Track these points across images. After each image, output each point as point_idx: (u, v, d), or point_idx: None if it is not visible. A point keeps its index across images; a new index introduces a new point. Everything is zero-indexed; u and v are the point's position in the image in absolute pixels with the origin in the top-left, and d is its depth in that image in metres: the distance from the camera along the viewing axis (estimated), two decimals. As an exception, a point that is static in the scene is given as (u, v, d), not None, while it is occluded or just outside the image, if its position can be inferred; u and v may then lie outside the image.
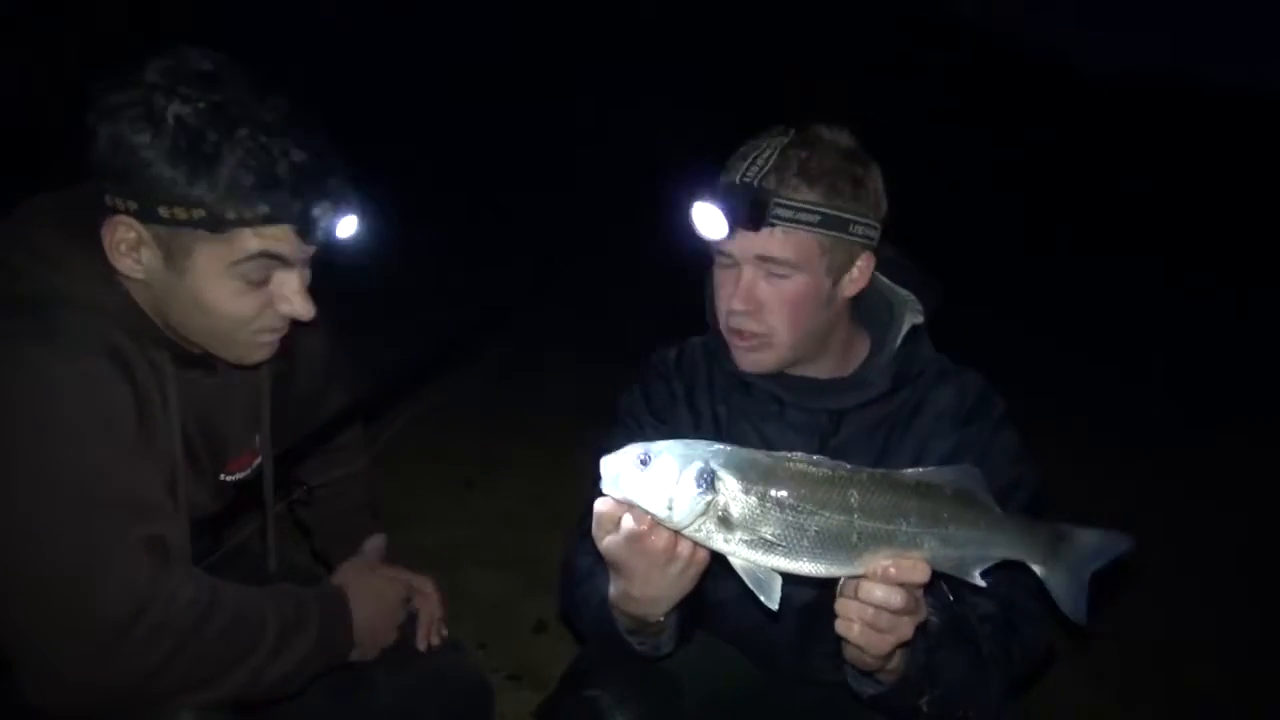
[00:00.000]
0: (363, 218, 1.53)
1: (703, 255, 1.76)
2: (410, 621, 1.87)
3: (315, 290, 1.65)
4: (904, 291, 1.77)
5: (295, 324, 1.65)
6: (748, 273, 1.61)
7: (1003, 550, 1.30)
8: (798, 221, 1.57)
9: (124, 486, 1.39)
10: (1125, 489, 4.31)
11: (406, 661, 1.83)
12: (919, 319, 1.74)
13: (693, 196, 1.61)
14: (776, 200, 1.55)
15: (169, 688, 1.37)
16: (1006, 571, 1.37)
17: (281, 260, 1.45)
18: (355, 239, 1.54)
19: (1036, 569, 1.35)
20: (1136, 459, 4.84)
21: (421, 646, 1.87)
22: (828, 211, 1.58)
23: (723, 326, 1.68)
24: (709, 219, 1.58)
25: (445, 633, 1.93)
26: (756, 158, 1.59)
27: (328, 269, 1.59)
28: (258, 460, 1.79)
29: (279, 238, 1.42)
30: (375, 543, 1.98)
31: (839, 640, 1.34)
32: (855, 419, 1.71)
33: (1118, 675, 3.13)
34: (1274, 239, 9.44)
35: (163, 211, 1.36)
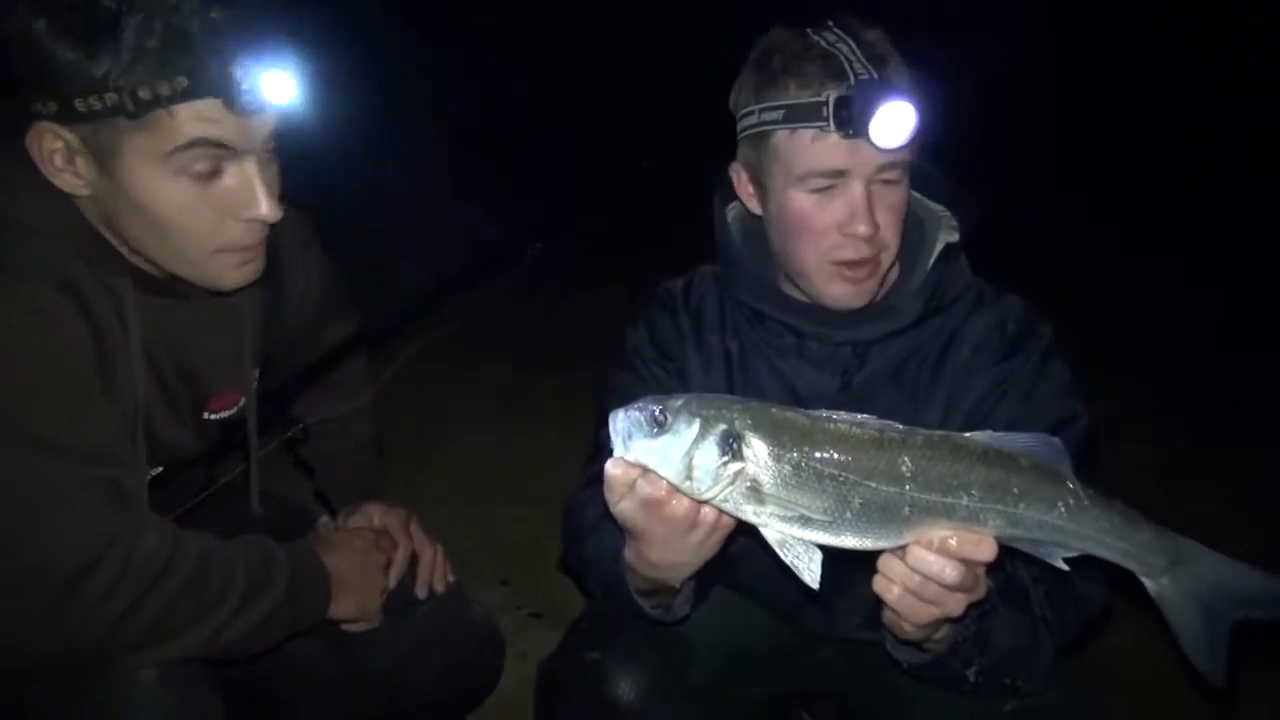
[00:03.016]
0: (303, 79, 1.32)
1: (709, 176, 1.56)
2: (413, 569, 1.78)
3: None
4: (937, 207, 1.57)
5: (280, 249, 1.51)
6: (862, 189, 1.39)
7: (1089, 547, 1.10)
8: (917, 115, 1.37)
9: (77, 431, 1.27)
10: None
11: (408, 610, 1.75)
12: (954, 237, 1.54)
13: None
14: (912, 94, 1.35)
15: (127, 642, 1.28)
16: None
17: (224, 148, 1.28)
18: (301, 104, 1.33)
19: (1146, 583, 1.14)
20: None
21: (421, 594, 1.78)
22: (922, 100, 1.38)
23: (819, 263, 1.46)
24: (900, 122, 1.33)
25: (451, 579, 1.84)
26: (840, 54, 1.37)
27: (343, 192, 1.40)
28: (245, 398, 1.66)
29: (210, 116, 1.24)
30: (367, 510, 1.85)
31: (874, 599, 1.19)
32: (881, 351, 1.53)
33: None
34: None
35: (79, 105, 1.20)
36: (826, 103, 1.35)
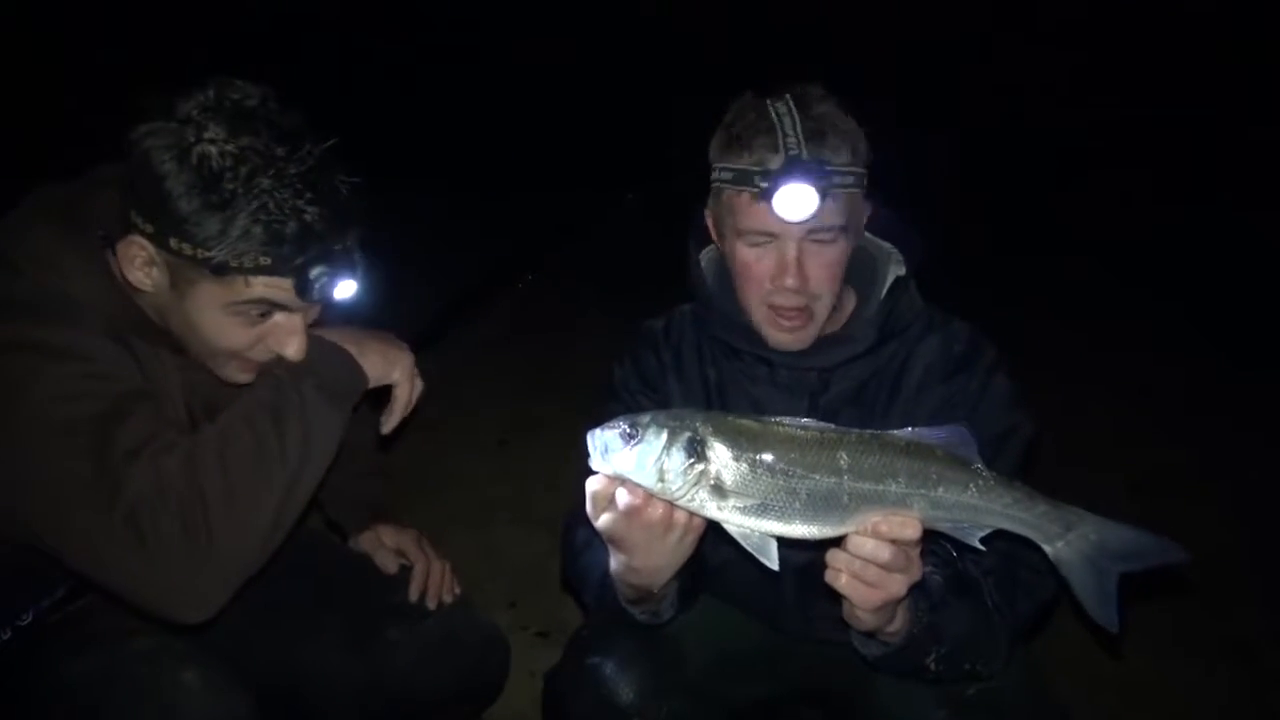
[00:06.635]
0: (364, 280, 1.54)
1: (687, 222, 1.73)
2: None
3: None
4: (886, 245, 1.74)
5: None
6: (793, 248, 1.54)
7: (998, 521, 1.26)
8: (845, 186, 1.53)
9: (138, 430, 1.41)
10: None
11: (420, 620, 1.90)
12: (901, 271, 1.71)
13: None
14: (830, 168, 1.49)
15: (222, 534, 1.38)
16: None
17: (280, 306, 1.48)
18: (355, 297, 1.55)
19: (1045, 549, 1.29)
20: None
21: (432, 605, 1.93)
22: (860, 170, 1.55)
23: (758, 305, 1.62)
24: (801, 201, 1.47)
25: (458, 591, 1.99)
26: (781, 129, 1.51)
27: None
28: None
29: (278, 287, 1.44)
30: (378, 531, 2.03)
31: (841, 600, 1.33)
32: (844, 375, 1.69)
33: (1161, 626, 2.95)
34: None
35: (173, 243, 1.40)
36: (759, 173, 1.50)
